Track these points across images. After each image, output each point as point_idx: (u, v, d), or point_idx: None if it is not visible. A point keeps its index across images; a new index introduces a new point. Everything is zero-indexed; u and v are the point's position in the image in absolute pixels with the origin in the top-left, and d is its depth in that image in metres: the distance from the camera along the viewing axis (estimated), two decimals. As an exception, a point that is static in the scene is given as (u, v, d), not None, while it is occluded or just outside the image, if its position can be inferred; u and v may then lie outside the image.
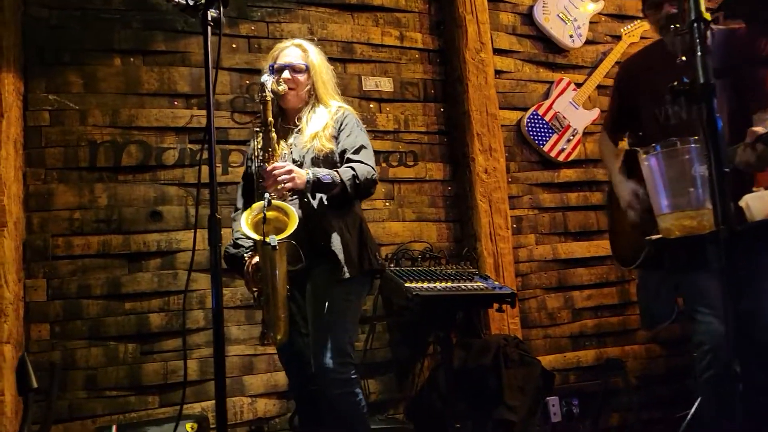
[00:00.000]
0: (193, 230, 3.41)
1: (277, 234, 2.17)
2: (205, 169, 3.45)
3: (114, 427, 2.89)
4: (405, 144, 3.95)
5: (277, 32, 3.78)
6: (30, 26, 3.31)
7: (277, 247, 2.12)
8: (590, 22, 4.47)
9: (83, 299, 3.21)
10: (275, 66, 2.57)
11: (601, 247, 4.24)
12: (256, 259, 2.39)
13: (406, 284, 3.27)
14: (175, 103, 3.52)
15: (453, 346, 3.47)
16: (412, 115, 4.00)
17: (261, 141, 2.38)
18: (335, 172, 2.36)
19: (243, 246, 2.53)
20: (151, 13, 3.54)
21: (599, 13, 4.56)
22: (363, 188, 2.41)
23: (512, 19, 4.33)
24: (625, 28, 4.52)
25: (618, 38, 4.56)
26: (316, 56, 2.60)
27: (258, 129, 2.41)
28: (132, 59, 3.48)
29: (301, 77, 2.55)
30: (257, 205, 2.27)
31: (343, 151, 2.48)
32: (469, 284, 3.36)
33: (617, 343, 4.17)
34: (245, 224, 2.23)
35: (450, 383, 3.35)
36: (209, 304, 3.39)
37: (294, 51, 2.59)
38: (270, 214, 2.20)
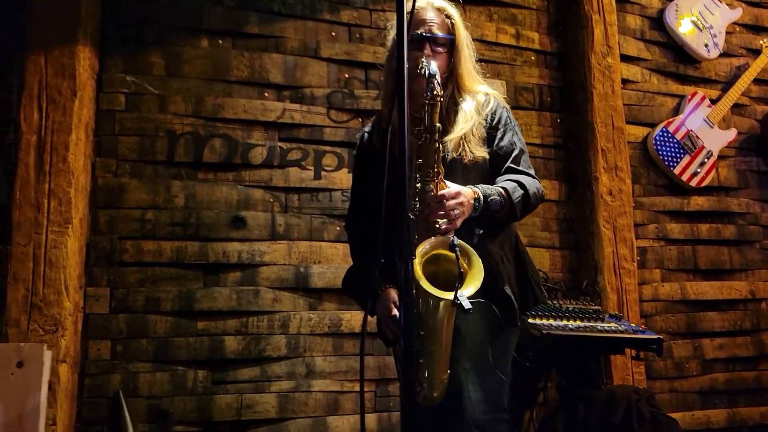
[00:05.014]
0: (279, 241, 2.93)
1: (446, 284, 1.59)
2: (294, 170, 3.03)
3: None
4: (517, 157, 3.43)
5: (380, 21, 3.31)
6: (111, -3, 2.90)
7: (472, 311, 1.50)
8: (725, 32, 3.92)
9: (150, 314, 2.74)
10: (410, 34, 1.86)
11: (735, 288, 3.66)
12: (394, 295, 1.82)
13: (530, 320, 2.75)
14: (266, 94, 3.06)
15: (577, 399, 2.92)
16: (525, 125, 3.48)
17: (422, 155, 1.73)
18: (503, 191, 1.81)
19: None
20: (245, -10, 3.10)
21: (734, 23, 4.01)
22: (531, 209, 1.89)
23: (640, 22, 3.80)
24: (765, 40, 3.96)
25: (754, 52, 4.01)
26: (461, 26, 1.95)
27: (419, 139, 1.73)
28: (221, 41, 3.04)
29: (443, 53, 1.90)
30: (434, 249, 1.65)
31: (498, 156, 1.93)
32: (603, 325, 2.82)
33: (751, 402, 3.56)
34: (417, 272, 1.59)
35: (575, 444, 2.80)
36: (293, 328, 2.89)
37: (435, 16, 1.91)
38: (438, 253, 1.63)
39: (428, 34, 1.88)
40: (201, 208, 2.87)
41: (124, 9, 2.91)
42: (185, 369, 2.75)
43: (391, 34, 2.04)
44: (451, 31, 1.93)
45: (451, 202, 1.68)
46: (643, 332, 2.79)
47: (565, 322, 2.79)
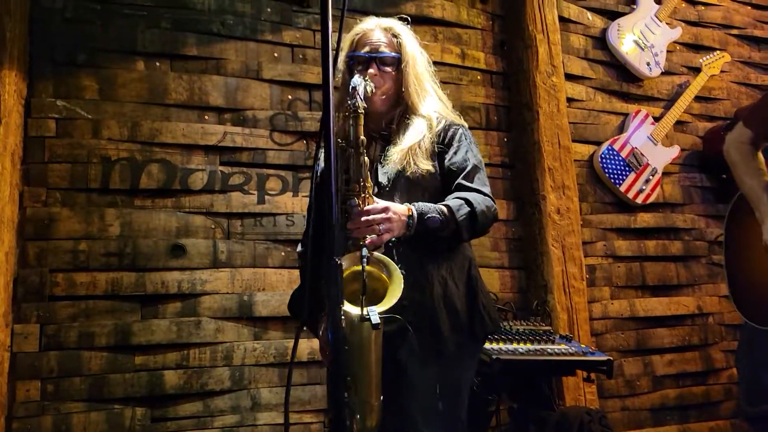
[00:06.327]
0: (222, 269, 2.83)
1: (371, 300, 1.54)
2: (237, 195, 2.94)
3: None
4: (465, 177, 3.41)
5: (324, 42, 3.25)
6: (39, 17, 2.77)
7: (380, 327, 1.46)
8: (666, 51, 4.00)
9: (84, 350, 2.60)
10: (356, 55, 1.89)
11: (682, 304, 3.70)
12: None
13: (480, 345, 2.70)
14: (206, 117, 2.97)
15: (529, 422, 2.88)
16: (473, 145, 3.46)
17: (347, 168, 1.71)
18: (445, 209, 1.74)
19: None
20: (183, 11, 3.00)
21: (674, 42, 4.10)
22: (480, 228, 1.81)
23: (584, 42, 3.85)
24: (705, 58, 4.05)
25: (694, 70, 4.09)
26: (410, 43, 1.93)
27: (344, 149, 1.71)
28: (158, 64, 2.94)
29: (390, 72, 1.89)
30: (351, 265, 1.59)
31: (450, 172, 1.87)
32: (553, 347, 2.79)
33: (700, 417, 3.59)
34: None
35: (528, 469, 2.76)
36: (237, 359, 2.78)
37: (380, 36, 1.91)
38: (357, 269, 1.57)
39: (374, 54, 1.88)
40: (138, 236, 2.75)
41: (54, 31, 2.78)
42: (122, 407, 2.61)
43: (341, 54, 1.97)
44: (397, 50, 1.92)
45: (377, 217, 1.63)
46: (593, 353, 2.77)
47: (515, 345, 2.75)
